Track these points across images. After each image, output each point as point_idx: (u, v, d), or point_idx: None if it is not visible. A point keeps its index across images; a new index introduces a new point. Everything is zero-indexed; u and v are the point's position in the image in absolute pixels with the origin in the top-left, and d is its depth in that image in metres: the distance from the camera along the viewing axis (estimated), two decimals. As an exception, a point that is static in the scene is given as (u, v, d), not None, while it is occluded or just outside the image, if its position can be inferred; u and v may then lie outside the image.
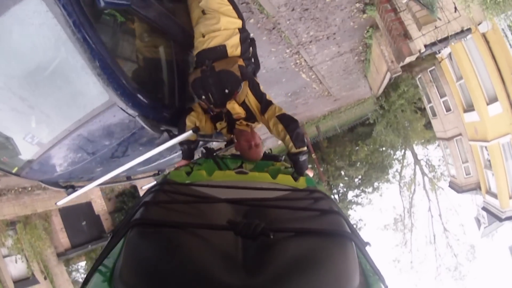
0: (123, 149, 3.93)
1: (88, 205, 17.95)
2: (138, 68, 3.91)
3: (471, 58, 14.66)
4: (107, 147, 3.74)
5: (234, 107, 3.40)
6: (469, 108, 16.46)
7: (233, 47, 3.61)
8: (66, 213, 16.76)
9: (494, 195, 17.01)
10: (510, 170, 15.28)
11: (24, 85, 3.19)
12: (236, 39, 3.63)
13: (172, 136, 3.55)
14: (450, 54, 16.37)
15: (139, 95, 3.34)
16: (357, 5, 10.02)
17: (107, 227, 18.98)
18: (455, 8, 8.68)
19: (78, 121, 3.34)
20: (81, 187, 4.22)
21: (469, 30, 9.69)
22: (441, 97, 20.11)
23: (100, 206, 17.98)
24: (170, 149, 4.33)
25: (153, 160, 4.90)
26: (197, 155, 3.68)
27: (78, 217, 17.62)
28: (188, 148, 3.42)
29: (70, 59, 2.96)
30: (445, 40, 9.39)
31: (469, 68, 14.87)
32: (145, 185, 6.33)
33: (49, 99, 3.35)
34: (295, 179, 2.41)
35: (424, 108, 23.84)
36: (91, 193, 17.07)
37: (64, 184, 4.36)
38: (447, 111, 20.12)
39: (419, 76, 20.78)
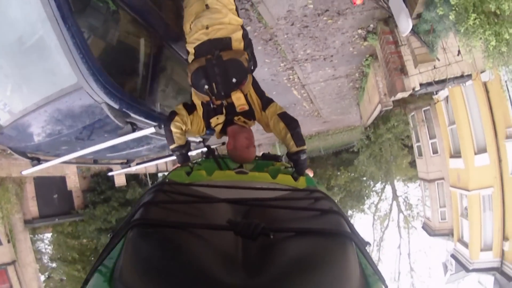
0: (88, 133, 4.01)
1: (62, 180, 17.74)
2: (113, 57, 4.01)
3: (467, 105, 14.45)
4: (72, 128, 3.83)
5: (240, 98, 3.31)
6: (456, 154, 16.17)
7: (237, 41, 3.58)
8: (40, 183, 16.78)
9: (466, 245, 16.73)
10: (486, 223, 14.89)
11: (3, 55, 3.38)
12: (239, 34, 3.62)
13: (134, 130, 3.68)
14: (447, 97, 15.92)
15: (107, 83, 3.40)
16: (359, 31, 9.77)
17: (77, 204, 19.26)
18: (459, 51, 8.29)
19: (47, 98, 3.44)
20: (46, 161, 4.45)
21: (469, 76, 9.32)
22: (430, 139, 20.07)
23: (73, 182, 17.75)
24: (137, 142, 4.82)
25: (120, 149, 5.07)
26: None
27: (50, 189, 17.79)
28: (180, 154, 3.38)
29: (46, 37, 3.09)
30: (442, 82, 9.02)
31: (463, 114, 14.55)
32: (113, 172, 7.84)
33: (24, 72, 3.51)
34: (295, 179, 2.37)
35: (411, 146, 23.78)
36: (67, 168, 16.86)
37: (31, 155, 4.49)
38: (433, 153, 20.10)
39: (413, 113, 20.58)
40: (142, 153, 5.77)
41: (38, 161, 4.49)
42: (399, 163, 24.64)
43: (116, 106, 3.52)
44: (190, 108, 3.46)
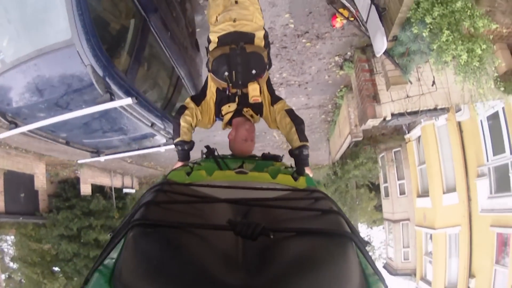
0: (67, 99, 4.06)
1: (30, 178, 17.39)
2: (105, 27, 4.18)
3: (439, 144, 14.64)
4: (55, 91, 3.92)
5: (256, 89, 3.43)
6: (424, 194, 16.24)
7: (259, 39, 3.71)
8: (10, 178, 16.57)
9: (429, 283, 16.63)
10: (451, 262, 14.86)
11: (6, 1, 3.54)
12: (261, 33, 3.74)
13: (112, 99, 3.77)
14: (419, 137, 16.14)
15: (98, 47, 3.53)
16: (336, 58, 9.91)
17: (42, 207, 18.95)
18: (433, 82, 8.41)
19: (39, 50, 3.54)
20: (23, 126, 4.38)
21: (443, 109, 9.41)
22: (398, 179, 20.21)
23: (41, 183, 17.62)
24: (111, 125, 5.00)
25: (93, 130, 5.13)
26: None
27: (19, 187, 17.53)
28: (182, 149, 3.32)
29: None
30: (415, 113, 9.12)
31: (434, 154, 14.73)
32: (81, 159, 7.68)
33: (23, 19, 3.63)
34: (295, 179, 2.33)
35: (378, 185, 23.82)
36: (36, 167, 16.88)
37: (10, 119, 4.44)
38: (400, 194, 20.21)
39: (382, 154, 20.69)
40: (114, 143, 5.83)
41: (16, 125, 4.44)
42: (364, 206, 24.69)
43: (100, 73, 3.63)
44: (198, 99, 3.52)
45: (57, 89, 3.90)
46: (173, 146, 5.97)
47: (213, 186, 1.89)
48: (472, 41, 5.38)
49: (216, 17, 3.84)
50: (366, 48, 9.17)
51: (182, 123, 3.29)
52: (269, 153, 3.36)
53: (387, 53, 7.14)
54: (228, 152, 3.39)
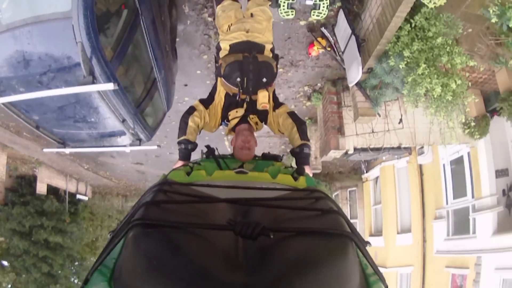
0: (50, 76, 4.16)
1: None
2: (105, 10, 4.30)
3: (397, 185, 14.90)
4: (40, 65, 4.01)
5: (266, 96, 3.55)
6: (377, 233, 16.40)
7: (268, 51, 3.92)
8: None
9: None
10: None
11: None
12: (270, 47, 3.96)
13: (94, 83, 3.90)
14: (377, 178, 16.41)
15: (92, 26, 3.68)
16: (306, 88, 10.06)
17: None
18: (401, 119, 8.62)
19: (36, 17, 3.65)
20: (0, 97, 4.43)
21: (407, 149, 9.64)
22: (351, 218, 19.86)
23: (0, 173, 17.19)
24: (86, 113, 5.10)
25: (66, 117, 5.20)
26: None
27: None
28: (185, 148, 3.40)
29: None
30: (378, 150, 9.30)
31: (391, 194, 14.95)
32: (46, 149, 7.76)
33: None
34: (295, 179, 2.37)
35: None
36: None
37: None
38: None
39: (337, 192, 20.67)
40: (81, 136, 5.87)
41: None
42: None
43: (88, 53, 3.77)
44: (206, 102, 3.65)
45: (42, 63, 4.00)
46: (137, 147, 6.31)
47: (213, 186, 1.91)
48: (448, 77, 5.59)
49: (229, 26, 4.04)
50: (337, 81, 9.39)
51: (190, 123, 3.40)
52: (269, 153, 3.48)
53: (359, 84, 7.35)
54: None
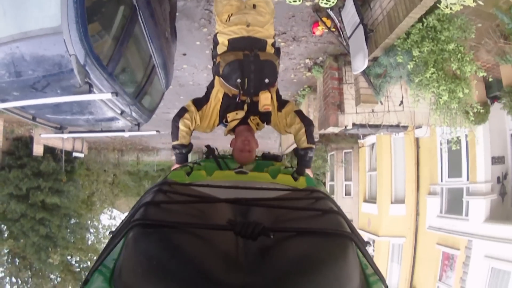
0: (44, 83, 4.04)
1: None
2: (98, 14, 4.17)
3: (393, 155, 14.94)
4: (33, 73, 3.87)
5: (268, 98, 3.41)
6: (371, 200, 16.54)
7: (270, 46, 3.67)
8: None
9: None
10: (392, 271, 15.24)
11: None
12: (271, 41, 3.71)
13: (90, 92, 3.85)
14: (373, 144, 16.41)
15: (86, 39, 3.54)
16: (307, 61, 9.94)
17: None
18: (402, 101, 8.55)
19: (24, 33, 3.55)
20: None
21: (405, 127, 9.63)
22: (345, 180, 20.23)
23: None
24: (82, 108, 5.06)
25: (62, 111, 5.18)
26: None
27: None
28: (180, 152, 3.40)
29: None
30: (376, 127, 9.23)
31: (387, 164, 14.98)
32: (44, 134, 7.90)
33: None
34: (295, 179, 2.36)
35: (325, 183, 23.91)
36: None
37: None
38: (346, 195, 20.20)
39: (332, 153, 20.76)
40: (79, 122, 5.89)
41: None
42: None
43: (82, 63, 3.63)
44: (199, 103, 3.50)
45: (35, 73, 3.86)
46: (136, 133, 6.32)
47: (213, 186, 1.91)
48: (456, 83, 5.51)
49: (229, 16, 3.75)
50: (339, 56, 9.23)
51: (181, 126, 3.31)
52: (269, 153, 3.45)
53: (363, 72, 7.21)
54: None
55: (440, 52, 5.57)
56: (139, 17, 4.73)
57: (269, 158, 3.34)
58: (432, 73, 5.51)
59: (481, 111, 7.08)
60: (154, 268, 1.13)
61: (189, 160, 3.58)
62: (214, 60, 3.71)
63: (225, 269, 1.12)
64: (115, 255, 1.37)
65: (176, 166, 3.28)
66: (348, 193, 19.87)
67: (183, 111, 3.39)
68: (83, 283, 1.30)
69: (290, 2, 6.42)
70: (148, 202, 1.58)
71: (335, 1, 6.42)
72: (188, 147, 3.42)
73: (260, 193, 1.92)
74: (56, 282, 22.87)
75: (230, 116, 3.52)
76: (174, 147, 3.39)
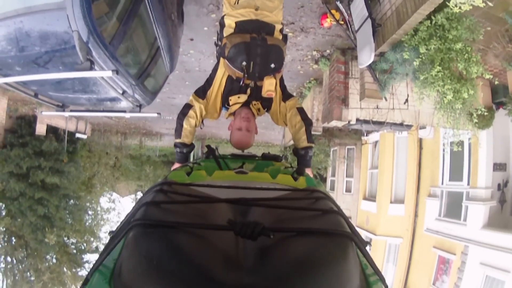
0: (47, 59, 4.06)
1: None
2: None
3: (396, 154, 14.96)
4: (36, 48, 3.90)
5: (273, 83, 3.41)
6: (371, 198, 16.55)
7: (277, 32, 3.64)
8: None
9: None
10: (387, 271, 15.23)
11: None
12: (280, 27, 3.68)
13: (92, 68, 3.81)
14: (376, 142, 16.43)
15: (89, 15, 3.53)
16: (314, 53, 9.92)
17: None
18: (407, 100, 8.54)
19: (28, 8, 3.54)
20: None
21: (409, 126, 9.61)
22: (346, 177, 20.31)
23: (0, 117, 17.22)
24: (84, 86, 5.13)
25: (64, 88, 5.22)
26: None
27: None
28: (181, 152, 3.39)
29: None
30: (380, 123, 9.23)
31: (389, 162, 14.99)
32: (45, 111, 8.13)
33: None
34: (295, 179, 2.32)
35: (326, 178, 23.95)
36: None
37: None
38: (346, 191, 20.30)
39: (335, 148, 20.82)
40: (81, 101, 5.92)
41: None
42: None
43: (85, 40, 3.63)
44: (203, 90, 3.51)
45: (37, 48, 3.88)
46: (137, 114, 6.36)
47: (213, 186, 1.90)
48: (461, 83, 5.50)
49: None
50: (347, 50, 9.21)
51: (185, 125, 3.33)
52: (269, 153, 3.38)
53: (369, 66, 7.19)
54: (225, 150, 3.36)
55: (447, 51, 5.55)
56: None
57: (269, 158, 3.29)
58: (438, 72, 5.50)
59: (485, 114, 7.05)
60: (154, 268, 1.12)
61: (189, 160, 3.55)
62: (219, 42, 3.68)
63: (225, 269, 1.12)
64: (115, 255, 1.35)
65: (176, 165, 3.31)
66: (348, 190, 19.92)
67: (187, 108, 3.40)
68: (83, 283, 1.29)
69: None
70: (149, 202, 1.57)
71: (345, -5, 6.39)
72: (190, 147, 3.42)
73: (260, 193, 1.94)
74: (51, 263, 22.90)
75: (232, 99, 3.51)
76: (175, 145, 3.39)
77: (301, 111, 3.45)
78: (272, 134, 21.36)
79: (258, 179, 2.34)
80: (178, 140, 3.32)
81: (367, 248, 1.53)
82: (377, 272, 1.40)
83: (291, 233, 1.35)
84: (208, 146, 3.11)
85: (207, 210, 1.60)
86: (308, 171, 3.22)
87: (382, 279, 1.38)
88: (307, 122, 3.38)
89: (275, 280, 1.09)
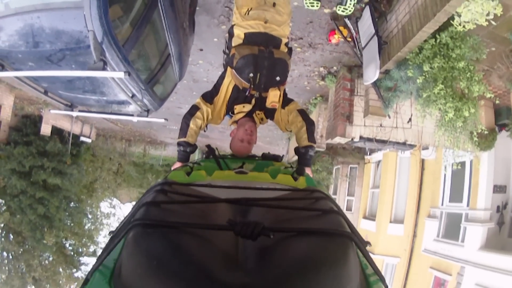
0: (60, 56, 4.11)
1: None
2: (119, 0, 4.24)
3: (397, 174, 14.94)
4: (51, 45, 3.95)
5: (277, 95, 3.50)
6: (370, 217, 16.52)
7: (283, 45, 3.74)
8: None
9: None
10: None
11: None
12: (286, 40, 3.79)
13: (104, 69, 3.84)
14: (379, 162, 16.41)
15: (105, 15, 3.59)
16: (321, 69, 10.02)
17: (1, 138, 19.27)
18: (410, 119, 8.62)
19: (46, 5, 3.62)
20: (10, 71, 4.49)
21: (411, 146, 9.65)
22: (347, 195, 20.14)
23: (6, 114, 17.35)
24: (95, 87, 5.18)
25: (75, 87, 5.29)
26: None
27: None
28: (184, 150, 3.41)
29: None
30: (383, 142, 9.28)
31: (391, 182, 14.98)
32: (53, 110, 7.74)
33: None
34: (295, 179, 2.33)
35: (327, 196, 23.90)
36: (5, 98, 16.69)
37: None
38: (347, 210, 19.95)
39: (338, 166, 20.72)
40: (90, 101, 5.96)
41: (2, 67, 4.46)
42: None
43: (100, 40, 3.69)
44: (210, 96, 3.57)
45: (52, 44, 3.94)
46: (144, 118, 6.35)
47: (213, 186, 1.91)
48: (462, 102, 5.57)
49: (248, 10, 3.81)
50: (354, 68, 9.30)
51: (191, 125, 3.38)
52: (269, 153, 3.41)
53: (374, 83, 7.30)
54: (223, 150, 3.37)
55: (450, 69, 5.62)
56: (159, 4, 4.80)
57: (269, 158, 3.31)
58: (440, 90, 5.56)
59: (487, 133, 7.11)
60: (154, 268, 1.13)
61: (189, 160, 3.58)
62: (228, 51, 3.77)
63: (225, 269, 1.13)
64: (115, 255, 1.36)
65: (177, 165, 3.35)
66: (349, 208, 19.70)
67: (194, 109, 3.45)
68: (83, 283, 1.29)
69: (308, 6, 6.51)
70: (149, 202, 1.57)
71: (352, 10, 6.50)
72: (193, 147, 3.45)
73: (260, 193, 1.95)
74: (47, 262, 22.82)
75: (237, 108, 3.59)
76: (179, 144, 3.41)
77: (302, 112, 3.52)
78: (276, 150, 21.29)
79: (258, 179, 2.36)
80: (182, 139, 3.36)
81: (367, 248, 1.55)
82: (377, 272, 1.42)
83: (291, 233, 1.37)
84: (208, 146, 3.17)
85: (207, 210, 1.62)
86: (308, 171, 3.29)
87: (382, 279, 1.39)
88: (308, 122, 3.45)
89: (275, 280, 1.11)
